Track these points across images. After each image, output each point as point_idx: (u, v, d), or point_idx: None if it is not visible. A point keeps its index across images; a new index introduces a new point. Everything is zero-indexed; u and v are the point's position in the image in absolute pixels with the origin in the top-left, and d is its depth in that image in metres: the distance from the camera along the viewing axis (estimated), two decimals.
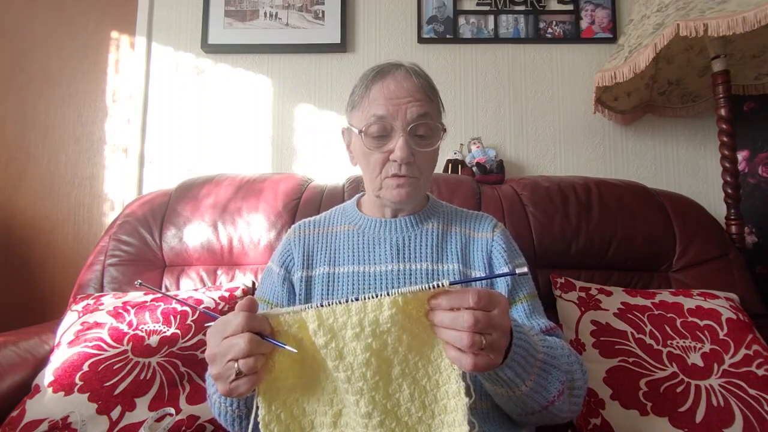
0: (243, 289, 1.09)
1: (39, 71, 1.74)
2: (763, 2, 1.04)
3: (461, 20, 1.68)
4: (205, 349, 0.96)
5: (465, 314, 0.46)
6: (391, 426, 0.50)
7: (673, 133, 1.64)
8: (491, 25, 1.67)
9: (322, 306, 0.49)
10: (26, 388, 0.89)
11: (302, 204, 1.25)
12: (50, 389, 0.85)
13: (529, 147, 1.65)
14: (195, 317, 0.99)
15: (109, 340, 0.92)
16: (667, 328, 0.96)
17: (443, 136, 0.75)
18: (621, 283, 1.17)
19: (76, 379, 0.86)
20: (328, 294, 0.73)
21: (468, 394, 0.49)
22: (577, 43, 1.67)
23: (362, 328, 0.48)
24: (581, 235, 1.19)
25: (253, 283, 1.15)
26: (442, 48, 1.68)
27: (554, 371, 0.59)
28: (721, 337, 0.94)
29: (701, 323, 0.97)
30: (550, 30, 1.67)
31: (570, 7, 1.67)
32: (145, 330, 0.94)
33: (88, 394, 0.84)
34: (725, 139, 1.29)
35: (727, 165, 1.29)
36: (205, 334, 0.96)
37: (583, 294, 1.06)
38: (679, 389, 0.87)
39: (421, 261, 0.74)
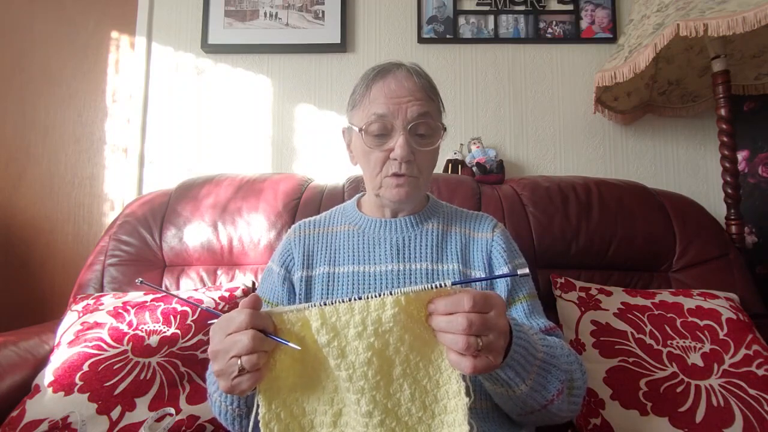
0: (243, 289, 1.09)
1: (39, 71, 1.74)
2: (763, 2, 1.04)
3: (461, 20, 1.68)
4: (206, 349, 0.97)
5: (459, 317, 0.46)
6: (392, 425, 0.50)
7: (673, 133, 1.64)
8: (491, 25, 1.67)
9: (325, 305, 0.49)
10: (26, 388, 0.88)
11: (302, 204, 1.25)
12: (50, 389, 0.85)
13: (529, 147, 1.65)
14: (195, 317, 0.99)
15: (109, 340, 0.92)
16: (667, 328, 0.96)
17: (443, 135, 0.75)
18: (621, 283, 1.17)
19: (76, 379, 0.86)
20: (328, 294, 0.73)
21: (468, 394, 0.49)
22: (577, 43, 1.67)
23: (365, 327, 0.48)
24: (581, 235, 1.19)
25: (253, 283, 1.15)
26: (442, 48, 1.68)
27: (554, 370, 0.59)
28: (721, 337, 0.94)
29: (701, 323, 0.97)
30: (550, 30, 1.67)
31: (570, 7, 1.67)
32: (145, 330, 0.94)
33: (88, 394, 0.84)
34: (725, 139, 1.29)
35: (727, 165, 1.29)
36: (205, 334, 0.97)
37: (583, 294, 1.06)
38: (679, 389, 0.87)
39: (421, 261, 0.74)
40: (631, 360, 0.91)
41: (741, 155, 1.56)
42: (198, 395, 0.89)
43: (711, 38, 1.26)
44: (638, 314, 0.99)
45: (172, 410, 0.84)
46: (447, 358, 0.49)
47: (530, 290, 0.76)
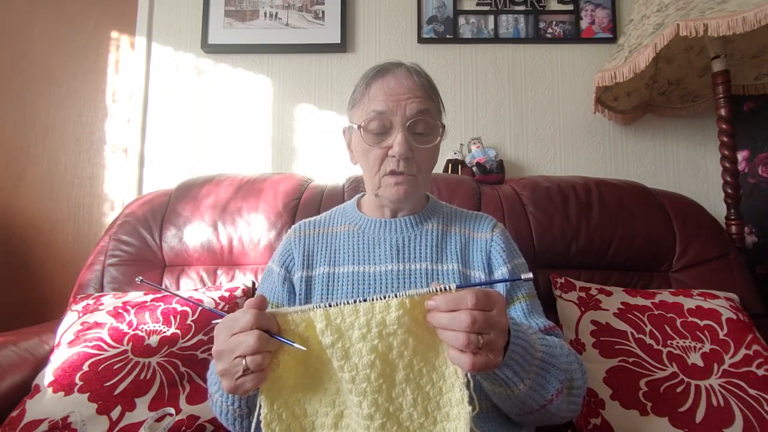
0: (243, 289, 1.09)
1: (39, 71, 1.74)
2: (763, 2, 1.04)
3: (461, 20, 1.68)
4: (206, 349, 0.97)
5: (462, 314, 0.46)
6: (393, 430, 0.50)
7: (673, 133, 1.64)
8: (491, 25, 1.67)
9: (330, 306, 0.49)
10: (26, 388, 0.88)
11: (302, 204, 1.25)
12: (50, 389, 0.85)
13: (529, 147, 1.65)
14: (195, 317, 0.99)
15: (109, 340, 0.92)
16: (667, 328, 0.96)
17: (443, 135, 0.75)
18: (621, 283, 1.17)
19: (76, 379, 0.86)
20: (328, 294, 0.73)
21: (471, 403, 0.48)
22: (577, 43, 1.67)
23: (369, 329, 0.48)
24: (581, 235, 1.19)
25: (253, 283, 1.15)
26: (442, 48, 1.68)
27: (553, 370, 0.59)
28: (721, 337, 0.94)
29: (701, 323, 0.97)
30: (550, 30, 1.67)
31: (570, 7, 1.67)
32: (145, 330, 0.94)
33: (88, 394, 0.84)
34: (725, 139, 1.29)
35: (727, 165, 1.29)
36: (205, 334, 0.97)
37: (583, 294, 1.06)
38: (679, 389, 0.87)
39: (420, 261, 0.74)
40: (631, 360, 0.91)
41: (741, 155, 1.56)
42: (198, 395, 0.89)
43: (711, 38, 1.26)
44: (638, 314, 0.99)
45: (172, 410, 0.84)
46: (447, 355, 0.49)
47: (529, 290, 0.76)
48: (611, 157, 1.64)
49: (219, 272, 1.22)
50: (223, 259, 1.22)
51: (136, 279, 0.60)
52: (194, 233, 1.22)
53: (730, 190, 1.29)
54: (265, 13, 1.68)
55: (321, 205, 1.24)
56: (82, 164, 1.72)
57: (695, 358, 0.91)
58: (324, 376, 0.53)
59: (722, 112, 1.29)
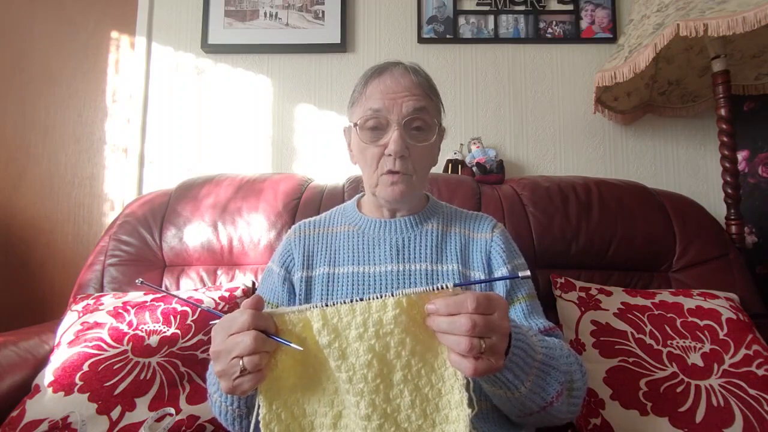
0: (243, 289, 1.09)
1: (39, 71, 1.74)
2: (763, 2, 1.04)
3: (461, 20, 1.68)
4: (205, 349, 0.97)
5: (463, 318, 0.46)
6: (390, 431, 0.49)
7: (673, 133, 1.64)
8: (491, 25, 1.67)
9: (327, 306, 0.49)
10: (26, 388, 0.88)
11: (302, 204, 1.25)
12: (50, 389, 0.85)
13: (529, 147, 1.65)
14: (195, 317, 0.99)
15: (109, 340, 0.92)
16: (667, 328, 0.96)
17: (443, 134, 0.75)
18: (621, 283, 1.17)
19: (76, 379, 0.86)
20: (328, 294, 0.73)
21: (470, 405, 0.48)
22: (577, 43, 1.67)
23: (366, 328, 0.48)
24: (581, 235, 1.19)
25: (253, 283, 1.15)
26: (442, 48, 1.68)
27: (553, 372, 0.59)
28: (721, 337, 0.94)
29: (701, 323, 0.97)
30: (550, 30, 1.67)
31: (570, 7, 1.67)
32: (145, 330, 0.94)
33: (88, 394, 0.84)
34: (725, 139, 1.29)
35: (727, 165, 1.29)
36: (205, 334, 0.97)
37: (583, 294, 1.06)
38: (679, 389, 0.87)
39: (420, 261, 0.74)
40: (631, 360, 0.91)
41: (741, 155, 1.56)
42: (198, 395, 0.89)
43: (711, 38, 1.26)
44: (638, 314, 0.99)
45: (172, 410, 0.85)
46: (448, 359, 0.49)
47: (529, 291, 0.76)
48: (611, 157, 1.64)
49: (219, 272, 1.22)
50: (223, 259, 1.22)
51: (136, 281, 0.60)
52: (194, 233, 1.22)
53: (730, 190, 1.29)
54: (265, 13, 1.68)
55: (321, 205, 1.24)
56: (82, 164, 1.72)
57: (695, 358, 0.91)
58: (322, 376, 0.53)
59: (722, 112, 1.29)
